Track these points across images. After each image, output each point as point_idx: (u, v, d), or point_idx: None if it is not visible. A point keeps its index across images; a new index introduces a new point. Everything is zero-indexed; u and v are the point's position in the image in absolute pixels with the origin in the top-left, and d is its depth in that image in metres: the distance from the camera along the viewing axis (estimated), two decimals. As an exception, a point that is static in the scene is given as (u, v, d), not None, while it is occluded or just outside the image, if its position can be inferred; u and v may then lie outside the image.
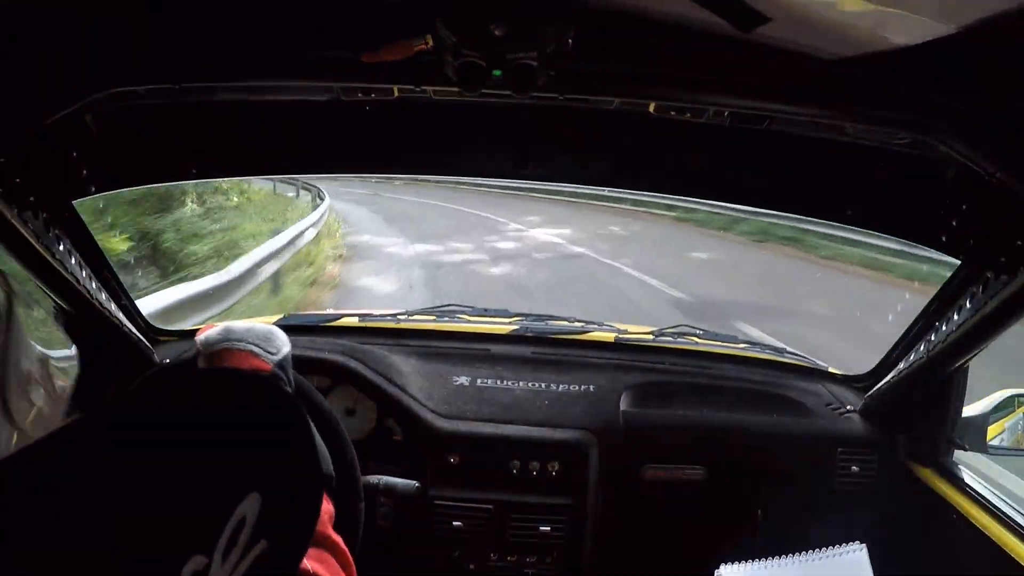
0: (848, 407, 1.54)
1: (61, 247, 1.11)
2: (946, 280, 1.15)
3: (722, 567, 1.24)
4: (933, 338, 1.20)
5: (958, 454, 1.39)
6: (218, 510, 0.38)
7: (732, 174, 1.33)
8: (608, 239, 9.81)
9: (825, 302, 6.63)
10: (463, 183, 14.93)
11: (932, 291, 1.22)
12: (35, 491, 0.31)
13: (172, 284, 4.68)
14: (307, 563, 0.66)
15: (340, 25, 0.78)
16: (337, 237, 9.57)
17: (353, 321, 1.72)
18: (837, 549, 1.24)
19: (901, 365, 1.34)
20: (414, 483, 1.27)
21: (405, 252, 8.95)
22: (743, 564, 1.24)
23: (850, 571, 1.23)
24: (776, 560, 1.25)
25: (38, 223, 1.03)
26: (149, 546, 0.34)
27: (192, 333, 1.67)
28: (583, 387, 1.53)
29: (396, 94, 0.98)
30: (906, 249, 6.46)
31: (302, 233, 7.09)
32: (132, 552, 0.33)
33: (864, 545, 1.24)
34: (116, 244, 4.74)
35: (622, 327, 1.78)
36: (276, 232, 6.73)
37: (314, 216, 8.35)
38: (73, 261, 1.16)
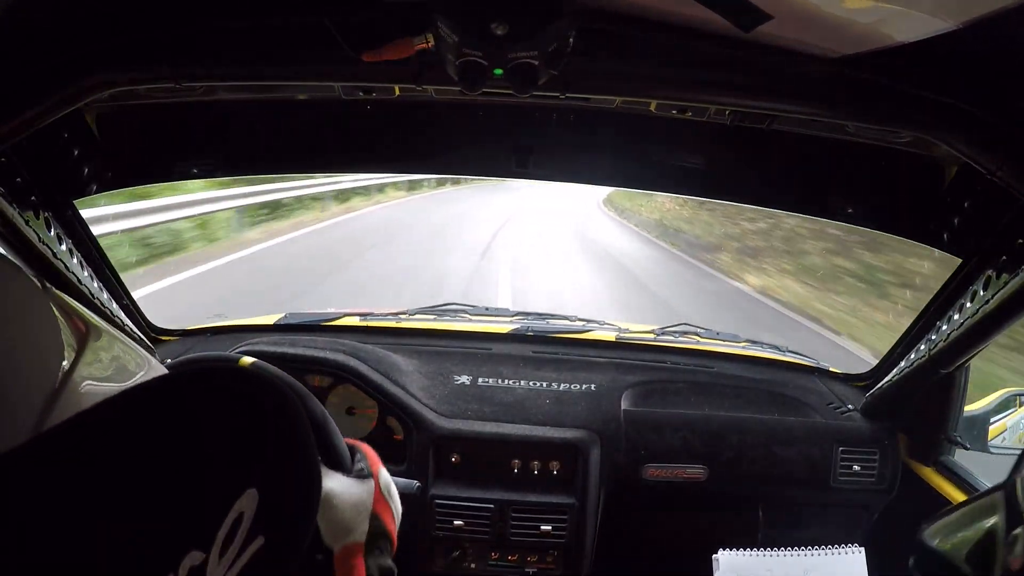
0: (849, 406, 1.54)
1: (63, 246, 1.11)
2: (948, 279, 1.15)
3: (720, 552, 1.25)
4: (934, 337, 1.20)
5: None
6: (215, 506, 0.38)
7: (733, 172, 1.33)
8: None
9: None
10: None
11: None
12: (32, 487, 0.31)
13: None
14: None
15: (341, 24, 0.78)
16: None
17: (354, 320, 1.72)
18: (836, 548, 1.25)
19: (902, 364, 1.34)
20: (415, 482, 1.26)
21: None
22: (741, 551, 1.25)
23: (846, 570, 1.23)
24: (773, 551, 1.26)
25: (39, 222, 1.03)
26: (146, 541, 0.34)
27: (192, 332, 1.67)
28: (584, 386, 1.53)
29: (397, 93, 0.98)
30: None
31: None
32: (128, 547, 0.33)
33: (863, 548, 1.24)
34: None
35: (623, 326, 1.78)
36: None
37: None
38: (75, 260, 1.16)
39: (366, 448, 0.79)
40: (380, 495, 0.74)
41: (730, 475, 1.45)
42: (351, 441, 0.80)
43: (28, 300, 0.43)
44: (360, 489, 0.72)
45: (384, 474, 0.76)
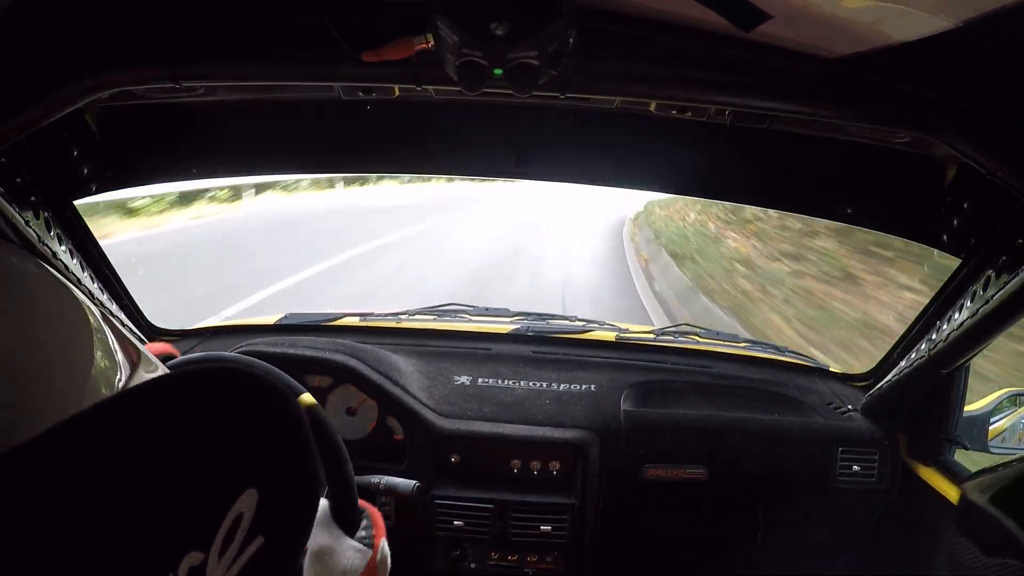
0: (849, 406, 1.54)
1: (62, 247, 1.11)
2: (947, 279, 1.15)
3: None
4: (934, 337, 1.20)
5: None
6: (215, 506, 0.38)
7: (733, 173, 1.33)
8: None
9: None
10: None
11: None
12: (31, 487, 0.31)
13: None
14: None
15: (341, 24, 0.78)
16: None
17: (354, 321, 1.72)
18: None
19: (902, 364, 1.34)
20: (415, 482, 1.27)
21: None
22: None
23: None
24: None
25: (39, 223, 1.03)
26: (145, 542, 0.34)
27: (192, 333, 1.67)
28: (584, 386, 1.53)
29: (397, 93, 0.98)
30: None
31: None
32: (128, 548, 0.33)
33: None
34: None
35: (623, 326, 1.78)
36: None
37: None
38: (75, 261, 1.16)
39: (376, 516, 0.80)
40: (374, 565, 0.75)
41: (730, 475, 1.45)
42: (364, 504, 0.80)
43: (49, 294, 0.43)
44: (355, 556, 0.72)
45: (384, 547, 0.77)
